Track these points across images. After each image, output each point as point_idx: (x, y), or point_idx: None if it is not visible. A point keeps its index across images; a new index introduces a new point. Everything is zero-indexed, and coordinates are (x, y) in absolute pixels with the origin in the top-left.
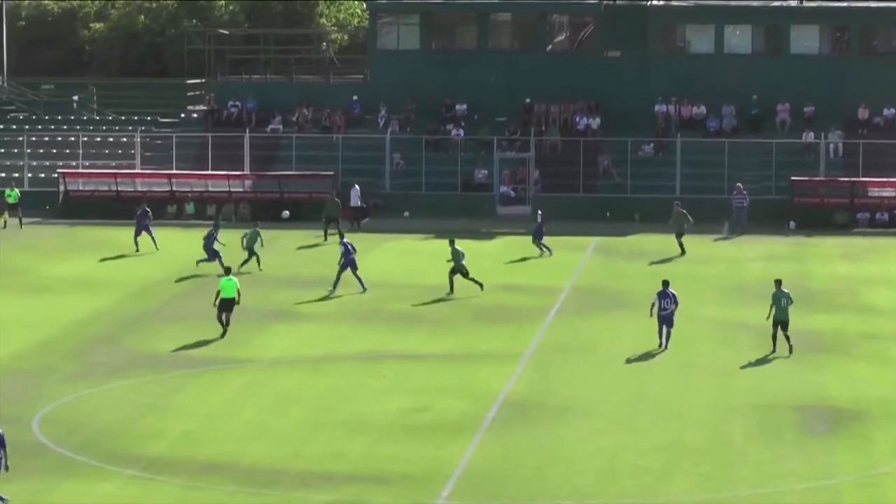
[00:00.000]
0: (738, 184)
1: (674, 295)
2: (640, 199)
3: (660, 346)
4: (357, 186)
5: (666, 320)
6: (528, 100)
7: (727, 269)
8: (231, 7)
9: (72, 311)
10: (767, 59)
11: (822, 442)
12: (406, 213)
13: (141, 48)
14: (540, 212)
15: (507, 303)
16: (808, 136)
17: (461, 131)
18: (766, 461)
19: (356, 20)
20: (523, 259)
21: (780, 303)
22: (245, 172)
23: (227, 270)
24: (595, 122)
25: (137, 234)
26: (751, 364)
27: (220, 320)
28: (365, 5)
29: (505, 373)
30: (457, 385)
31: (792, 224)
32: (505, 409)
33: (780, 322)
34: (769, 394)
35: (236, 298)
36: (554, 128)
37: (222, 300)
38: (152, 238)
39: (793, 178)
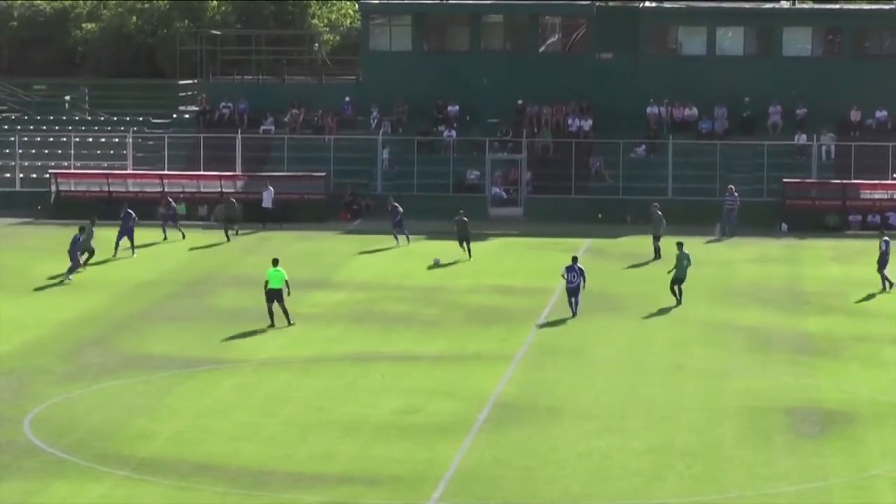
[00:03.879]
0: (730, 186)
1: (581, 269)
2: (632, 200)
3: (572, 314)
4: (271, 188)
5: (573, 292)
6: (520, 101)
7: (718, 271)
8: (223, 8)
9: (63, 311)
10: (759, 61)
11: (813, 444)
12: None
13: (133, 49)
14: (394, 201)
15: (498, 304)
16: (801, 139)
17: (453, 132)
18: (757, 463)
19: (348, 21)
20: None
21: (682, 263)
22: (237, 173)
23: (275, 262)
24: (587, 124)
25: (120, 237)
26: (742, 366)
27: (270, 312)
28: (357, 6)
29: (496, 374)
30: (448, 386)
31: (784, 226)
32: (496, 410)
33: (679, 280)
34: (760, 396)
35: (285, 289)
36: (546, 129)
37: (270, 290)
38: (132, 243)
39: (785, 180)
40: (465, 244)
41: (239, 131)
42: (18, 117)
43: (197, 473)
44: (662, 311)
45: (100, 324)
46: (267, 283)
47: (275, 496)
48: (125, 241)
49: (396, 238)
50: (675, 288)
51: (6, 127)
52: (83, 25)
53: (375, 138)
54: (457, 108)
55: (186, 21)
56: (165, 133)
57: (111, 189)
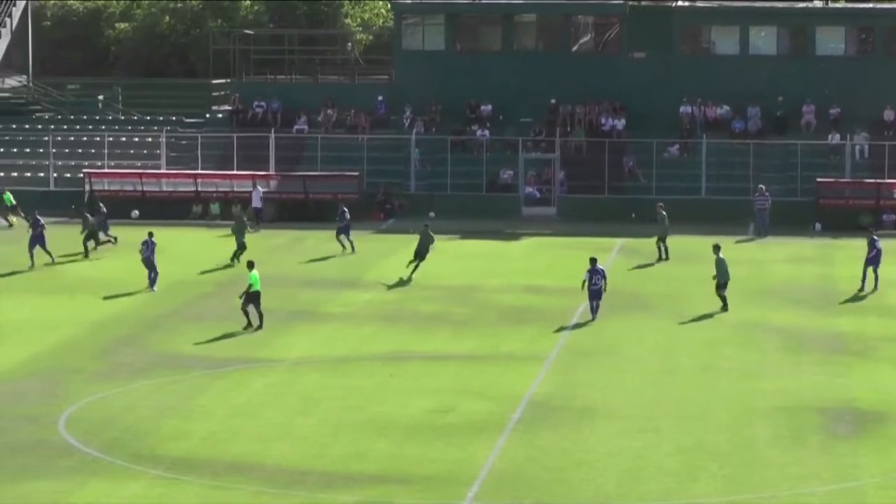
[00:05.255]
0: (760, 186)
1: (602, 270)
2: (664, 200)
3: (592, 319)
4: (259, 188)
5: (596, 296)
6: (553, 100)
7: (751, 271)
8: (256, 7)
9: (96, 311)
10: (792, 61)
11: (846, 444)
12: (431, 214)
13: (166, 48)
14: (345, 208)
15: (531, 304)
16: (834, 138)
17: (486, 132)
18: (790, 463)
19: (381, 21)
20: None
21: (723, 267)
22: (270, 173)
23: (251, 265)
24: (620, 123)
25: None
26: (774, 366)
27: (248, 313)
28: (389, 6)
29: (529, 374)
30: (481, 386)
31: (817, 226)
32: (529, 410)
33: (723, 284)
34: (793, 396)
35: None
36: (579, 129)
37: (255, 293)
38: (105, 237)
39: (818, 179)
40: (418, 262)
41: (272, 131)
42: (52, 117)
43: (230, 473)
44: (694, 312)
45: (132, 323)
46: (251, 286)
47: (308, 495)
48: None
49: (342, 245)
50: (722, 293)
51: (40, 127)
52: (116, 25)
53: (408, 138)
54: (490, 107)
55: (219, 20)
56: (199, 132)
57: (144, 189)
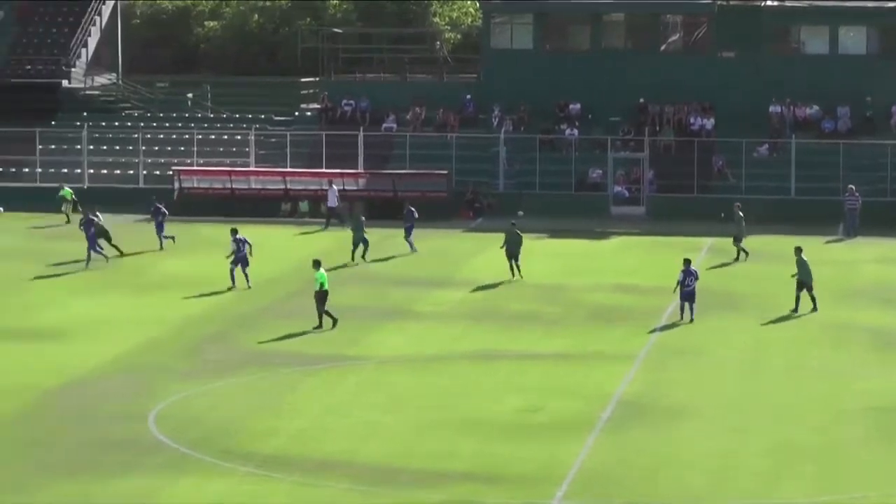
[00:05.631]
0: (851, 186)
1: (695, 272)
2: (754, 200)
3: (689, 320)
4: (335, 187)
5: (690, 297)
6: (641, 100)
7: (840, 271)
8: (344, 6)
9: (185, 308)
10: (882, 61)
11: None
12: (520, 213)
13: (255, 46)
14: (412, 207)
15: (620, 303)
16: None
17: (575, 131)
18: (880, 463)
19: (469, 19)
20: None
21: (805, 268)
22: (359, 171)
23: (317, 264)
24: (709, 123)
25: (159, 231)
26: (864, 367)
27: (322, 314)
28: (478, 5)
29: (618, 373)
30: (570, 385)
31: None
32: (619, 409)
33: (805, 285)
34: (883, 396)
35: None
36: (668, 128)
37: (324, 292)
38: (161, 237)
39: None
40: (514, 262)
41: (361, 129)
42: (142, 114)
43: (320, 470)
44: (782, 312)
45: (220, 321)
46: (321, 285)
47: (397, 494)
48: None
49: (410, 245)
50: (810, 294)
51: (129, 124)
52: (205, 23)
53: (497, 137)
54: (578, 106)
55: (308, 19)
56: (287, 131)
57: (234, 186)
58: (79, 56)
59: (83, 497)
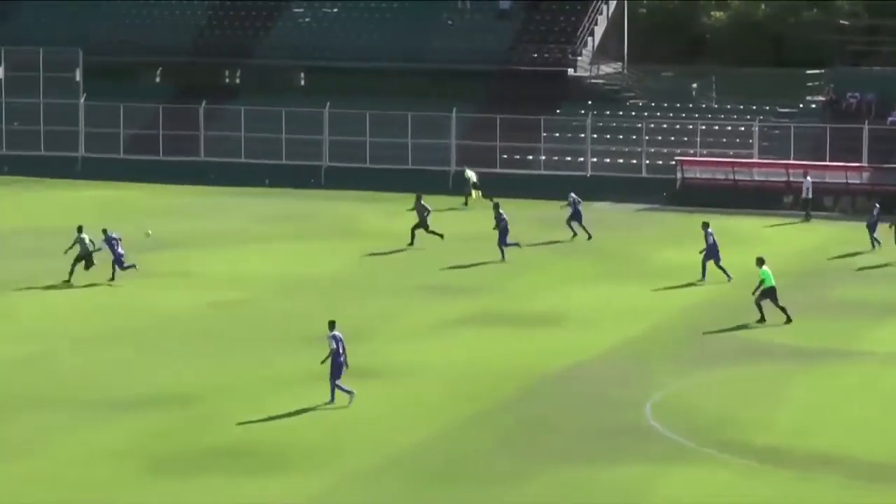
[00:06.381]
0: None
1: None
2: None
3: None
4: (809, 178)
5: None
6: None
7: None
8: None
9: (683, 297)
10: None
11: None
12: None
13: (760, 37)
14: (877, 204)
15: None
16: None
17: None
18: None
19: None
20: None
21: None
22: (863, 164)
23: (760, 261)
24: None
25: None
26: None
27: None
28: None
29: None
30: None
31: None
32: None
33: None
34: None
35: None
36: None
37: (770, 288)
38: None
39: None
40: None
41: (866, 122)
42: (646, 104)
43: (816, 465)
44: None
45: (718, 310)
46: (762, 282)
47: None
48: None
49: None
50: None
51: (633, 113)
52: (712, 13)
53: None
54: None
55: (815, 10)
56: (791, 122)
57: (736, 178)
58: (585, 45)
59: (578, 485)
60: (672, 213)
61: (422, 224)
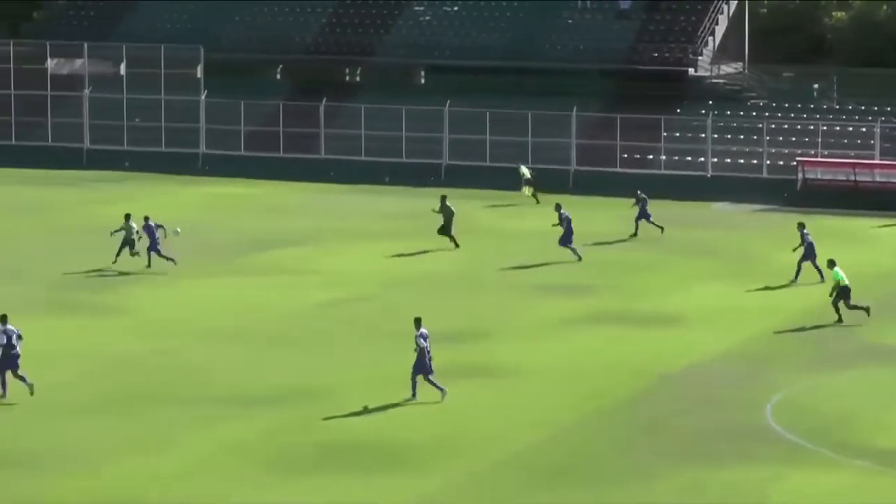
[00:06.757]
0: None
1: None
2: None
3: None
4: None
5: None
6: None
7: None
8: None
9: (805, 298)
10: None
11: None
12: None
13: (883, 37)
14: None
15: None
16: None
17: None
18: None
19: None
20: None
21: None
22: None
23: (832, 263)
24: None
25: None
26: None
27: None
28: None
29: None
30: None
31: None
32: None
33: None
34: None
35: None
36: None
37: (844, 287)
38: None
39: None
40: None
41: None
42: (766, 104)
43: None
44: None
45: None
46: (838, 283)
47: None
48: None
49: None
50: None
51: (754, 114)
52: (833, 13)
53: None
54: None
55: None
56: None
57: (857, 179)
58: (705, 44)
59: (697, 485)
60: (792, 214)
61: (447, 226)
